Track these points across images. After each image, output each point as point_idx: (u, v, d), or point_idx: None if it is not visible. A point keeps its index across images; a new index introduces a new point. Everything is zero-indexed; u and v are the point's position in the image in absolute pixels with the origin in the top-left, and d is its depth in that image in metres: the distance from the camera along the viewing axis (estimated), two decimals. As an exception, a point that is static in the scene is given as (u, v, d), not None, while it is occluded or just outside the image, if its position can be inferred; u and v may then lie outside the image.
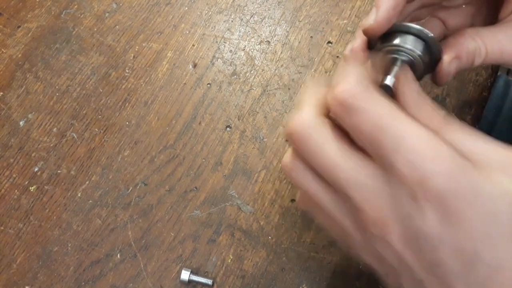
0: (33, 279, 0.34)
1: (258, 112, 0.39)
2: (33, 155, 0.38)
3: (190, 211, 0.36)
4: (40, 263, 0.35)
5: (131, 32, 0.43)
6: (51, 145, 0.38)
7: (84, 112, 0.40)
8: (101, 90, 0.40)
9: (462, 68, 0.28)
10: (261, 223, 0.35)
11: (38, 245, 0.35)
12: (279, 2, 0.43)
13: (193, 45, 0.42)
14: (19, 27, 0.43)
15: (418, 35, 0.26)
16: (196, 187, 0.37)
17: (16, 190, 0.37)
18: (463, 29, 0.29)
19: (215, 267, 0.34)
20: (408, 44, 0.26)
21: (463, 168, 0.18)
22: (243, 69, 0.41)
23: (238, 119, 0.39)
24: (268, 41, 0.42)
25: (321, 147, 0.21)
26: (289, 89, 0.40)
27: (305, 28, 0.42)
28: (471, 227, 0.18)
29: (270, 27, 0.43)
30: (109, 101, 0.40)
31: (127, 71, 0.41)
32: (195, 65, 0.41)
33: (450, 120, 0.22)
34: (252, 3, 0.44)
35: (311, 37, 0.42)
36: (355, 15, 0.42)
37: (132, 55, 0.42)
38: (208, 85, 0.40)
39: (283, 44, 0.42)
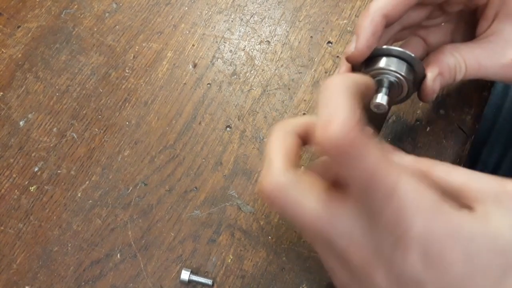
0: (33, 279, 0.34)
1: (258, 112, 0.39)
2: (33, 155, 0.38)
3: (190, 211, 0.36)
4: (40, 263, 0.35)
5: (131, 32, 0.43)
6: (51, 145, 0.38)
7: (84, 112, 0.40)
8: (101, 90, 0.40)
9: (445, 84, 0.29)
10: (261, 223, 0.35)
11: (38, 245, 0.35)
12: (279, 2, 0.43)
13: (193, 45, 0.42)
14: (19, 27, 0.43)
15: (400, 56, 0.27)
16: (196, 187, 0.37)
17: (16, 190, 0.37)
18: (442, 46, 0.29)
19: (215, 267, 0.34)
20: (392, 66, 0.27)
21: (443, 212, 0.19)
22: (243, 69, 0.41)
23: (238, 119, 0.39)
24: (268, 41, 0.42)
25: (300, 205, 0.21)
26: (289, 89, 0.40)
27: (305, 28, 0.42)
28: (453, 268, 0.18)
29: (270, 27, 0.43)
30: (109, 101, 0.40)
31: (127, 71, 0.41)
32: (195, 65, 0.41)
33: (434, 161, 0.23)
34: (252, 3, 0.44)
35: (311, 37, 0.42)
36: (355, 15, 0.42)
37: (132, 55, 0.42)
38: (208, 85, 0.40)
39: (283, 44, 0.42)
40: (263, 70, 0.41)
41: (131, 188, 0.37)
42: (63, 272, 0.35)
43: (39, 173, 0.38)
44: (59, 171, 0.38)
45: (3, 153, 0.38)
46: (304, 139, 0.24)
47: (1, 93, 0.40)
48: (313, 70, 0.41)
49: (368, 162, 0.18)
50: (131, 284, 0.34)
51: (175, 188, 0.37)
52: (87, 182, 0.37)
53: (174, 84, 0.41)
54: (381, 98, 0.27)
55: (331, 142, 0.18)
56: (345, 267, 0.21)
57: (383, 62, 0.27)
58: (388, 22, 0.28)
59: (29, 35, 0.43)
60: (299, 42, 0.42)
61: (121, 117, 0.39)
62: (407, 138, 0.37)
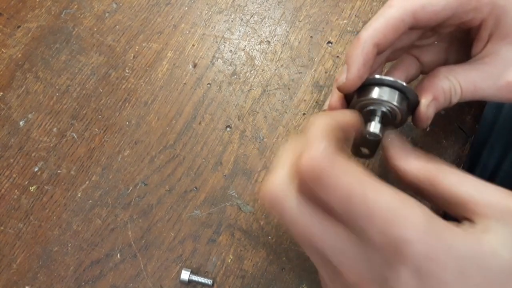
0: (33, 279, 0.34)
1: (258, 112, 0.39)
2: (33, 155, 0.38)
3: (190, 211, 0.36)
4: (40, 263, 0.35)
5: (131, 32, 0.43)
6: (51, 145, 0.38)
7: (84, 112, 0.40)
8: (101, 90, 0.40)
9: (440, 108, 0.29)
10: (261, 223, 0.35)
11: (38, 245, 0.35)
12: (279, 2, 0.43)
13: (193, 45, 0.42)
14: (19, 27, 0.43)
15: (392, 86, 0.27)
16: (196, 187, 0.37)
17: (16, 190, 0.37)
18: (436, 69, 0.29)
19: (215, 267, 0.34)
20: (385, 96, 0.27)
21: (435, 229, 0.19)
22: (243, 69, 0.41)
23: (238, 119, 0.39)
24: (268, 41, 0.42)
25: (293, 216, 0.21)
26: (289, 89, 0.40)
27: (305, 28, 0.42)
28: (446, 286, 0.18)
29: (270, 27, 0.43)
30: (109, 101, 0.40)
31: (127, 71, 0.41)
32: (195, 65, 0.41)
33: (444, 166, 0.22)
34: (252, 3, 0.44)
35: (311, 37, 0.42)
36: (355, 15, 0.42)
37: (132, 55, 0.42)
38: (208, 85, 0.40)
39: (283, 44, 0.42)
40: (263, 70, 0.41)
41: (131, 188, 0.37)
42: (63, 272, 0.35)
43: (39, 173, 0.38)
44: (59, 171, 0.38)
45: (3, 153, 0.38)
46: None
47: (1, 93, 0.40)
48: (313, 70, 0.41)
49: (341, 186, 0.19)
50: (131, 284, 0.34)
51: (175, 188, 0.37)
52: (87, 182, 0.37)
53: (174, 84, 0.41)
54: (374, 127, 0.27)
55: (301, 172, 0.20)
56: (338, 280, 0.22)
57: (375, 93, 0.27)
58: (380, 50, 0.27)
59: (29, 35, 0.43)
60: (299, 42, 0.42)
61: (121, 117, 0.39)
62: (407, 138, 0.37)
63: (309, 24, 0.42)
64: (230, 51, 0.42)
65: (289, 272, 0.34)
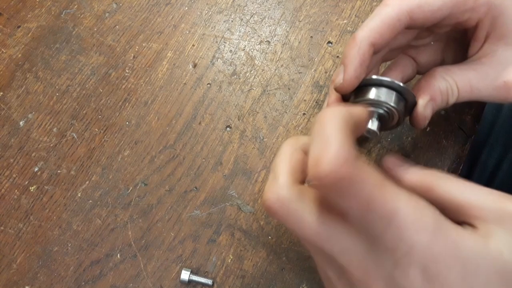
0: (33, 279, 0.34)
1: (258, 112, 0.39)
2: (33, 155, 0.38)
3: (190, 211, 0.36)
4: (40, 263, 0.35)
5: (131, 32, 0.43)
6: (51, 145, 0.38)
7: (84, 112, 0.40)
8: (101, 90, 0.40)
9: (438, 108, 0.29)
10: (261, 223, 0.35)
11: (38, 245, 0.35)
12: (279, 2, 0.43)
13: (193, 45, 0.42)
14: (19, 27, 0.43)
15: (390, 86, 0.27)
16: (196, 187, 0.37)
17: (16, 190, 0.37)
18: (433, 69, 0.29)
19: (215, 267, 0.34)
20: (382, 97, 0.27)
21: (443, 231, 0.19)
22: (243, 69, 0.41)
23: (238, 119, 0.39)
24: (268, 41, 0.42)
25: (300, 220, 0.21)
26: (289, 89, 0.40)
27: (305, 28, 0.42)
28: (452, 286, 0.19)
29: (270, 27, 0.43)
30: (109, 101, 0.40)
31: (127, 71, 0.41)
32: (195, 65, 0.41)
33: (440, 174, 0.23)
34: (252, 3, 0.44)
35: (311, 37, 0.42)
36: (355, 15, 0.42)
37: (132, 55, 0.42)
38: (208, 85, 0.40)
39: (283, 44, 0.42)
40: (263, 70, 0.41)
41: (131, 188, 0.37)
42: (63, 272, 0.35)
43: (39, 173, 0.38)
44: (59, 171, 0.38)
45: (3, 153, 0.38)
46: None
47: (1, 93, 0.40)
48: (313, 70, 0.41)
49: (362, 193, 0.18)
50: (131, 284, 0.34)
51: (175, 188, 0.37)
52: (87, 182, 0.37)
53: (174, 84, 0.41)
54: (372, 125, 0.27)
55: (322, 179, 0.18)
56: (344, 279, 0.22)
57: (372, 93, 0.27)
58: (376, 50, 0.27)
59: (29, 35, 0.43)
60: (299, 42, 0.42)
61: (121, 117, 0.39)
62: (407, 138, 0.37)
63: (309, 24, 0.42)
64: (230, 51, 0.42)
65: (289, 272, 0.34)
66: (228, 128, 0.39)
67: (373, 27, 0.26)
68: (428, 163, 0.37)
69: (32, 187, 0.37)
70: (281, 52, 0.41)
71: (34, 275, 0.34)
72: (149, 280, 0.34)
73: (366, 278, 0.20)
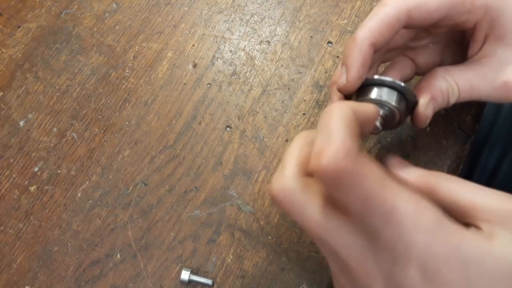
0: (33, 279, 0.34)
1: (258, 112, 0.39)
2: (33, 155, 0.38)
3: (190, 211, 0.36)
4: (40, 263, 0.35)
5: (131, 32, 0.43)
6: (51, 145, 0.38)
7: (84, 112, 0.40)
8: (101, 90, 0.40)
9: (438, 108, 0.29)
10: (261, 223, 0.35)
11: (38, 245, 0.35)
12: (279, 2, 0.43)
13: (193, 45, 0.42)
14: (19, 27, 0.43)
15: (391, 86, 0.27)
16: (196, 187, 0.37)
17: (16, 190, 0.37)
18: (434, 69, 0.29)
19: (215, 267, 0.34)
20: (384, 97, 0.27)
21: (444, 231, 0.19)
22: (243, 69, 0.41)
23: (238, 119, 0.39)
24: (268, 41, 0.42)
25: (303, 212, 0.21)
26: (289, 89, 0.40)
27: (305, 28, 0.42)
28: (451, 287, 0.19)
29: (270, 27, 0.43)
30: (109, 101, 0.40)
31: (127, 71, 0.41)
32: (195, 65, 0.41)
33: (442, 174, 0.23)
34: (252, 3, 0.44)
35: (311, 37, 0.42)
36: (355, 15, 0.42)
37: (132, 55, 0.42)
38: (208, 85, 0.40)
39: (283, 44, 0.42)
40: (263, 70, 0.41)
41: (131, 188, 0.37)
42: (63, 272, 0.35)
43: (39, 173, 0.38)
44: (59, 171, 0.38)
45: (3, 153, 0.38)
46: None
47: (1, 93, 0.40)
48: (313, 70, 0.41)
49: (362, 187, 0.19)
50: (131, 284, 0.34)
51: (175, 188, 0.37)
52: (87, 182, 0.37)
53: (174, 84, 0.41)
54: (377, 121, 0.27)
55: (322, 171, 0.19)
56: (345, 273, 0.22)
57: (374, 93, 0.27)
58: (376, 50, 0.28)
59: (29, 35, 0.43)
60: (299, 42, 0.42)
61: (121, 117, 0.39)
62: (407, 138, 0.37)
63: (309, 24, 0.42)
64: (230, 51, 0.42)
65: (289, 272, 0.34)
66: (228, 128, 0.39)
67: (373, 26, 0.27)
68: (428, 163, 0.37)
69: (32, 187, 0.37)
70: (281, 52, 0.41)
71: (34, 275, 0.34)
72: (149, 280, 0.34)
73: (366, 274, 0.20)
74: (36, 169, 0.38)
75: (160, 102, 0.40)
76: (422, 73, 0.33)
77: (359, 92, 0.28)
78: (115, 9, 0.44)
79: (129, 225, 0.36)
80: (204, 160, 0.38)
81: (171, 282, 0.34)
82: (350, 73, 0.27)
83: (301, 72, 0.41)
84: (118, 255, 0.35)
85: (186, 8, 0.44)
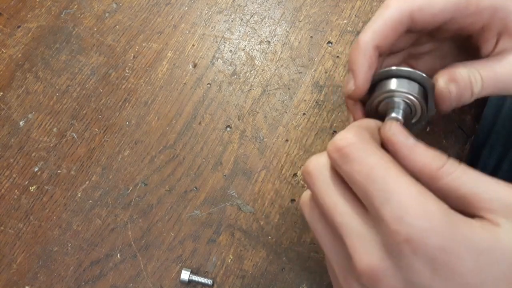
0: (33, 279, 0.34)
1: (258, 112, 0.39)
2: (33, 155, 0.38)
3: (190, 211, 0.36)
4: (40, 263, 0.35)
5: (131, 32, 0.43)
6: (51, 145, 0.38)
7: (84, 112, 0.40)
8: (101, 90, 0.40)
9: (462, 94, 0.27)
10: (261, 223, 0.35)
11: (38, 245, 0.35)
12: (279, 2, 0.43)
13: (193, 45, 0.42)
14: (19, 27, 0.43)
15: (408, 77, 0.26)
16: (196, 187, 0.37)
17: (16, 190, 0.37)
18: (452, 64, 0.28)
19: (215, 267, 0.34)
20: (403, 87, 0.26)
21: (451, 221, 0.19)
22: (243, 69, 0.41)
23: (238, 119, 0.39)
24: (268, 41, 0.42)
25: (324, 188, 0.23)
26: (289, 89, 0.40)
27: (305, 28, 0.42)
28: (462, 278, 0.18)
29: (270, 27, 0.43)
30: (109, 101, 0.40)
31: (127, 71, 0.41)
32: (195, 65, 0.41)
33: (449, 163, 0.22)
34: (252, 3, 0.44)
35: (311, 37, 0.42)
36: (355, 15, 0.42)
37: (132, 55, 0.42)
38: (208, 85, 0.40)
39: (283, 44, 0.42)
40: (263, 70, 0.41)
41: (131, 188, 0.37)
42: (63, 272, 0.35)
43: (39, 173, 0.38)
44: (59, 171, 0.38)
45: (3, 153, 0.38)
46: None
47: (1, 93, 0.40)
48: (313, 70, 0.41)
49: (364, 164, 0.20)
50: (131, 284, 0.34)
51: (175, 188, 0.37)
52: (87, 182, 0.37)
53: (174, 84, 0.41)
54: (397, 113, 0.27)
55: (331, 147, 0.22)
56: (348, 268, 0.22)
57: (391, 85, 0.27)
58: (380, 53, 0.27)
59: (29, 35, 0.43)
60: (299, 42, 0.42)
61: (121, 117, 0.39)
62: (407, 138, 0.37)
63: (309, 24, 0.42)
64: (230, 51, 0.42)
65: (289, 272, 0.34)
66: (228, 128, 0.39)
67: (376, 29, 0.27)
68: (428, 163, 0.37)
69: (32, 187, 0.37)
70: (281, 52, 0.41)
71: (34, 275, 0.34)
72: (149, 280, 0.34)
73: (373, 271, 0.20)
74: (36, 169, 0.38)
75: (160, 102, 0.40)
76: None
77: (370, 90, 0.28)
78: (115, 9, 0.44)
79: (129, 225, 0.36)
80: (204, 160, 0.38)
81: (171, 282, 0.34)
82: (359, 79, 0.27)
83: (301, 72, 0.41)
84: (118, 255, 0.35)
85: (186, 8, 0.44)
